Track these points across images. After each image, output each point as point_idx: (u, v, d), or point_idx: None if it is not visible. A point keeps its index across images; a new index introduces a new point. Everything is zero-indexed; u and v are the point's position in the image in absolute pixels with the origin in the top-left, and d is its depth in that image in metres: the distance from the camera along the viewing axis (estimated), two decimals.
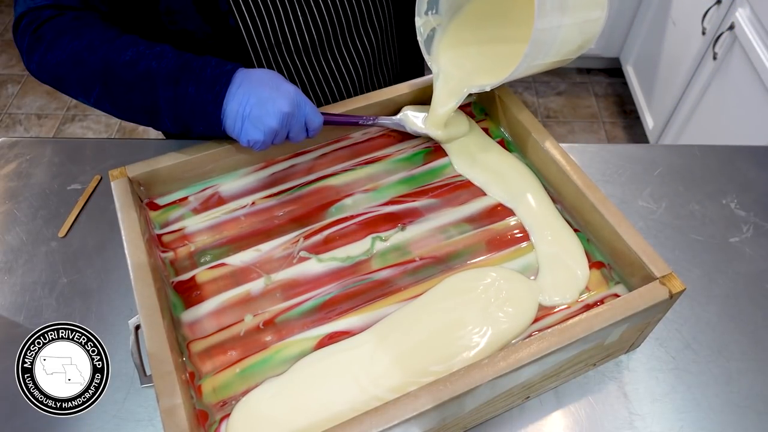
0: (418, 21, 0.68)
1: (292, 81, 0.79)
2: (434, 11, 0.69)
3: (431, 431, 0.51)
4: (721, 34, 1.39)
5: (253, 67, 0.73)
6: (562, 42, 0.62)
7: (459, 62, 0.70)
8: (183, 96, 0.59)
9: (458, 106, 0.69)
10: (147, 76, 0.59)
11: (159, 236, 0.64)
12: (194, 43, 0.70)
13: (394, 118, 0.72)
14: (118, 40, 0.61)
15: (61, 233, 0.73)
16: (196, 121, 0.60)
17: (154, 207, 0.66)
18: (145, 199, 0.66)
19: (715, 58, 1.43)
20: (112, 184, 0.63)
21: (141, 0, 0.67)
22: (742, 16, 1.32)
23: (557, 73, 2.21)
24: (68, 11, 0.63)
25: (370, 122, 0.70)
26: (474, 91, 0.67)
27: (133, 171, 0.63)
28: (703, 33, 1.47)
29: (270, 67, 0.76)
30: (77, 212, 0.75)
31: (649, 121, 1.82)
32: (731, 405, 0.59)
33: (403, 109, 0.72)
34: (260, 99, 0.58)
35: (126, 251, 0.57)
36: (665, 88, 1.72)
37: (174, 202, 0.67)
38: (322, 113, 0.64)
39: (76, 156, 0.82)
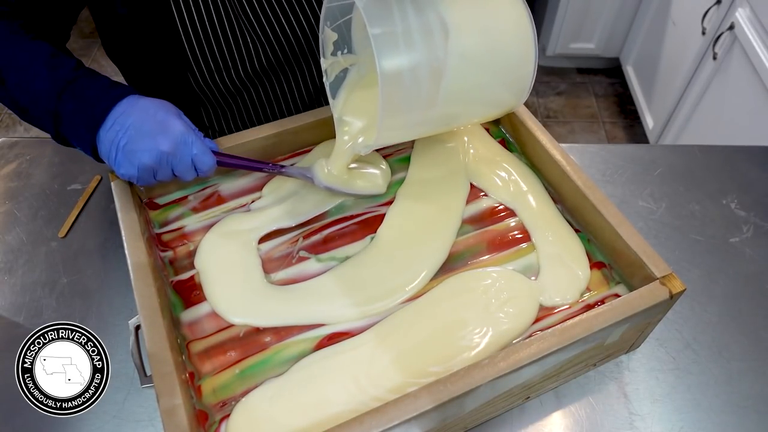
0: (324, 63, 0.62)
1: (235, 94, 0.77)
2: (345, 50, 0.63)
3: (431, 431, 0.51)
4: (721, 34, 1.39)
5: (187, 59, 0.70)
6: (460, 91, 0.56)
7: (358, 113, 0.64)
8: (62, 112, 0.56)
9: (352, 161, 0.64)
10: (33, 81, 0.56)
11: (158, 235, 0.64)
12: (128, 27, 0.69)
13: (304, 169, 0.65)
14: (25, 42, 0.58)
15: (61, 233, 0.73)
16: (74, 140, 0.57)
17: (154, 206, 0.66)
18: (145, 198, 0.66)
19: (715, 58, 1.43)
20: (112, 184, 0.63)
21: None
22: (742, 16, 1.32)
23: (557, 73, 2.21)
24: None
25: (276, 170, 0.64)
26: (361, 152, 0.62)
27: None
28: (703, 33, 1.47)
29: (204, 59, 0.72)
30: (77, 212, 0.75)
31: (649, 121, 1.82)
32: (731, 405, 0.59)
33: (318, 161, 0.65)
34: (139, 132, 0.55)
35: (126, 251, 0.57)
36: (665, 88, 1.72)
37: (173, 202, 0.66)
38: (218, 155, 0.61)
39: (76, 156, 0.82)
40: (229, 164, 0.62)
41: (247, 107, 0.80)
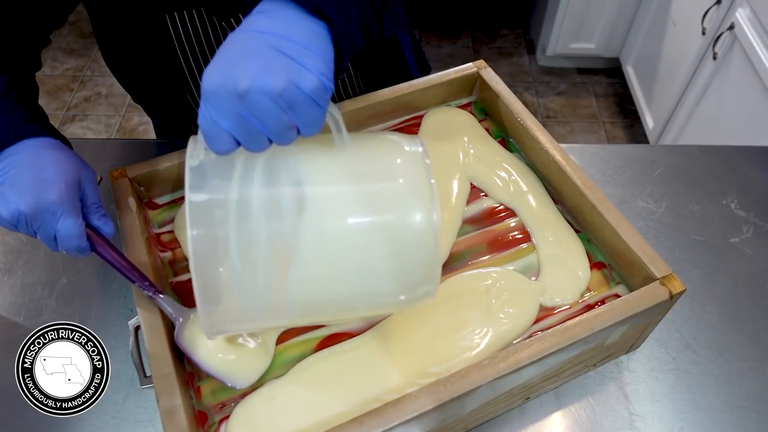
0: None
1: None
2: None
3: (431, 431, 0.52)
4: (721, 34, 1.39)
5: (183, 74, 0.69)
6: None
7: None
8: None
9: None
10: None
11: (158, 235, 0.64)
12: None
13: (178, 308, 0.53)
14: None
15: None
16: None
17: (153, 206, 0.66)
18: (145, 198, 0.66)
19: (715, 58, 1.43)
20: (111, 184, 0.62)
21: None
22: (742, 16, 1.32)
23: (557, 73, 2.21)
24: None
25: (148, 291, 0.53)
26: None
27: (133, 171, 0.63)
28: (703, 33, 1.47)
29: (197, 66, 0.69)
30: None
31: (649, 121, 1.82)
32: (731, 405, 0.59)
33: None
34: (15, 180, 0.49)
35: (125, 251, 0.57)
36: (665, 88, 1.72)
37: (173, 201, 0.66)
38: (98, 243, 0.52)
39: None
40: (105, 259, 0.53)
41: None
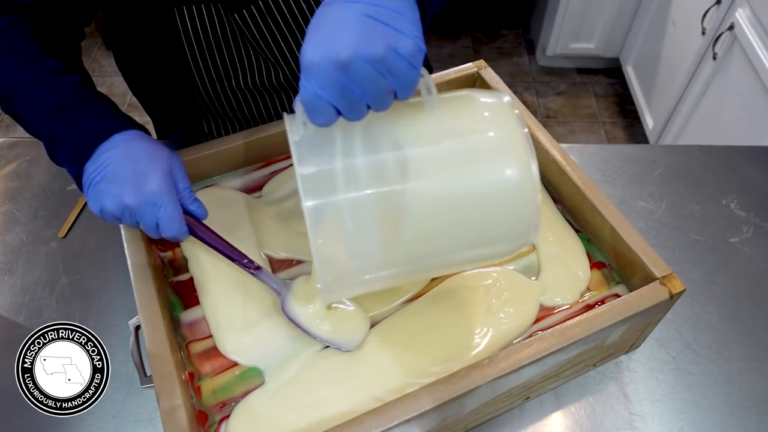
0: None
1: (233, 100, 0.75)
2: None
3: (431, 431, 0.52)
4: (721, 34, 1.39)
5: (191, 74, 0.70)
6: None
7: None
8: (56, 137, 0.53)
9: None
10: (34, 100, 0.54)
11: None
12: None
13: (280, 281, 0.56)
14: (33, 55, 0.55)
15: (61, 234, 0.73)
16: (65, 166, 0.54)
17: None
18: None
19: (715, 58, 1.43)
20: None
21: None
22: (741, 16, 1.32)
23: (557, 73, 2.21)
24: (8, 15, 0.56)
25: (249, 268, 0.56)
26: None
27: None
28: (703, 33, 1.47)
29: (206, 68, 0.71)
30: (77, 213, 0.75)
31: (649, 121, 1.82)
32: (731, 405, 0.59)
33: (300, 279, 0.57)
34: (113, 175, 0.51)
35: (126, 251, 0.57)
36: (665, 88, 1.72)
37: None
38: (196, 226, 0.54)
39: None
40: (203, 240, 0.55)
41: (248, 120, 0.80)
